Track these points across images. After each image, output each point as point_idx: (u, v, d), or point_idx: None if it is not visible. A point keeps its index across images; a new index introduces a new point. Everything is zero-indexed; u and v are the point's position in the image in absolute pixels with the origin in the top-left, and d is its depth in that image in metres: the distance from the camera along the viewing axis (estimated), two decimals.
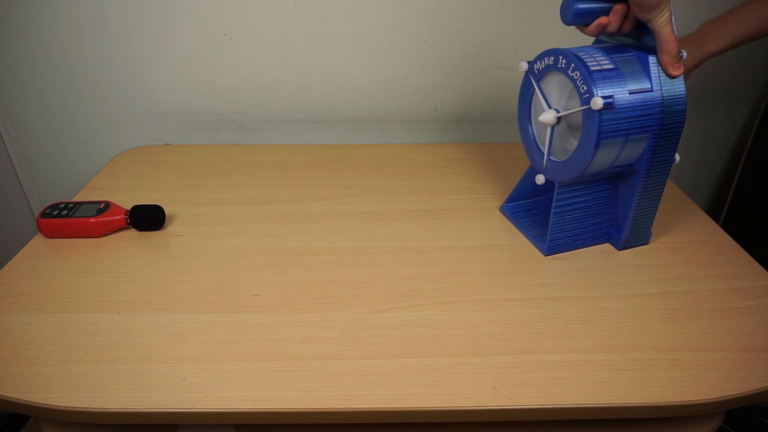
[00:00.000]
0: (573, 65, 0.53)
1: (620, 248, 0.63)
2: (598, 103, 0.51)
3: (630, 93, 0.53)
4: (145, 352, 0.49)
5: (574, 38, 0.59)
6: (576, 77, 0.53)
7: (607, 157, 0.55)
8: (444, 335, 0.51)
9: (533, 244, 0.64)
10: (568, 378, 0.47)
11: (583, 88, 0.53)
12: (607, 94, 0.52)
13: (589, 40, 0.60)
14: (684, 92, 0.55)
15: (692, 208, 0.72)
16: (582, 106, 0.53)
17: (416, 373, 0.47)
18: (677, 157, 0.59)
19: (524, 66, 0.60)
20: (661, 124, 0.55)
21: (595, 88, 0.52)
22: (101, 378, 0.46)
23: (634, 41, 0.57)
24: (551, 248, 0.62)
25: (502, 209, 0.70)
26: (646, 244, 0.65)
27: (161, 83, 0.89)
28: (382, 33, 0.86)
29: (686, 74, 0.65)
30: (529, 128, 0.63)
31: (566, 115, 0.57)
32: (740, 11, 0.67)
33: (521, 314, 0.53)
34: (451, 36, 0.87)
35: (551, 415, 0.45)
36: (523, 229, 0.66)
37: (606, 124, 0.52)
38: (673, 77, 0.54)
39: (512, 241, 0.65)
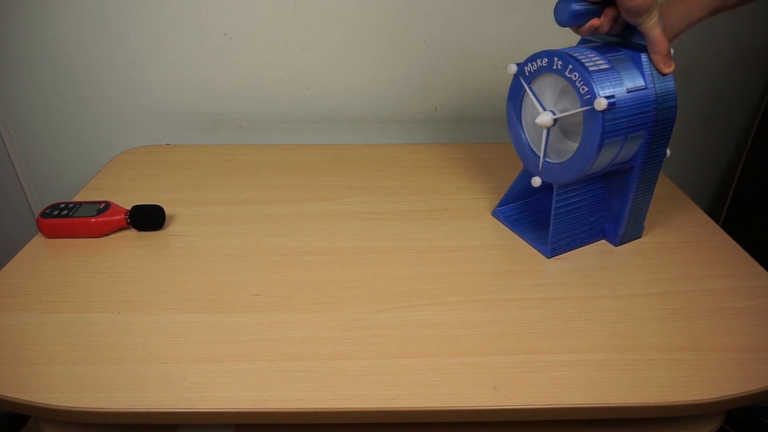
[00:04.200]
0: (570, 66, 0.53)
1: (617, 244, 0.63)
2: (602, 103, 0.51)
3: (627, 91, 0.53)
4: (146, 352, 0.49)
5: (575, 38, 0.59)
6: (575, 78, 0.53)
7: (607, 156, 0.55)
8: (444, 335, 0.51)
9: (533, 246, 0.64)
10: (568, 378, 0.47)
11: (583, 89, 0.52)
12: (609, 94, 0.52)
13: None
14: (674, 88, 0.56)
15: (692, 208, 0.72)
16: (583, 107, 0.53)
17: (416, 373, 0.47)
18: (668, 151, 0.60)
19: (513, 69, 0.60)
20: (656, 121, 0.56)
21: (597, 88, 0.52)
22: (101, 378, 0.46)
23: (621, 40, 0.57)
24: (554, 250, 0.62)
25: (494, 213, 0.69)
26: (640, 237, 0.65)
27: (162, 83, 0.89)
28: (382, 33, 0.86)
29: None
30: (521, 131, 0.62)
31: (563, 117, 0.57)
32: None
33: (521, 314, 0.54)
34: (451, 36, 0.87)
35: (551, 415, 0.45)
36: (521, 232, 0.66)
37: (608, 124, 0.52)
38: (665, 75, 0.55)
39: (512, 241, 0.65)
